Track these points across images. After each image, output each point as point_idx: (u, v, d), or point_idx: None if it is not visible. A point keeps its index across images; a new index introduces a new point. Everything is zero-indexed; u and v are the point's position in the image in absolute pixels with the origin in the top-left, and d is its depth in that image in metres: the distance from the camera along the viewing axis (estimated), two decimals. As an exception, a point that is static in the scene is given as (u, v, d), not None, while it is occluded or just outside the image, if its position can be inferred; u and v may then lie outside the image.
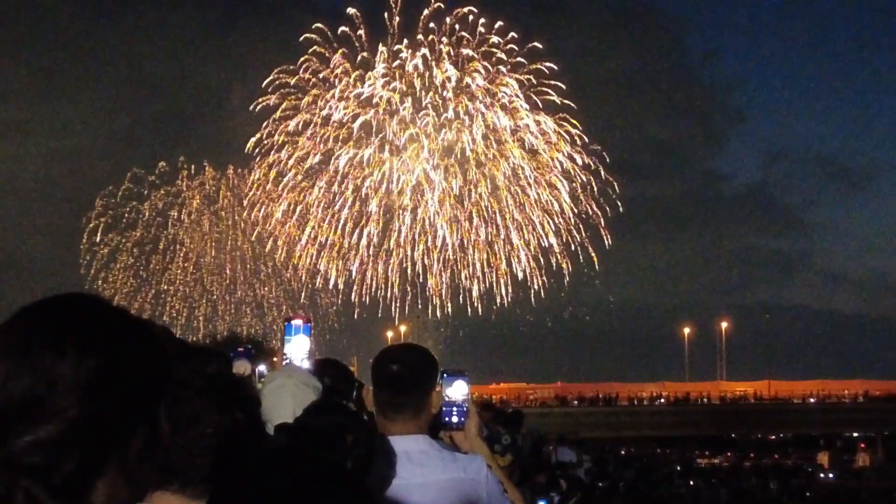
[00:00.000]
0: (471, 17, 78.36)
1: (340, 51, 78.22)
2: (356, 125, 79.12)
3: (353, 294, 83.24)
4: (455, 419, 4.24)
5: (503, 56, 78.51)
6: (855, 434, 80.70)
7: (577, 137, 79.28)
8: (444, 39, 77.80)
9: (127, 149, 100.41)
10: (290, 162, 79.98)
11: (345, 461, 3.39)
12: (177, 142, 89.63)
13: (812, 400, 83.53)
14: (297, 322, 5.23)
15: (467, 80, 78.14)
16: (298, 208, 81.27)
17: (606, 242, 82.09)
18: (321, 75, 78.76)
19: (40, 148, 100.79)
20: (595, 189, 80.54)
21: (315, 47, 78.40)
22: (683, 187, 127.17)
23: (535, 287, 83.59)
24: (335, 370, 4.97)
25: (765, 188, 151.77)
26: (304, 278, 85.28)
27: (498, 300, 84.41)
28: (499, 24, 78.22)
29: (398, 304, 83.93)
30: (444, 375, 4.21)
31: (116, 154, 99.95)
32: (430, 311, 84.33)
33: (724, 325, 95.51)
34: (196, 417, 2.62)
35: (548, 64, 78.69)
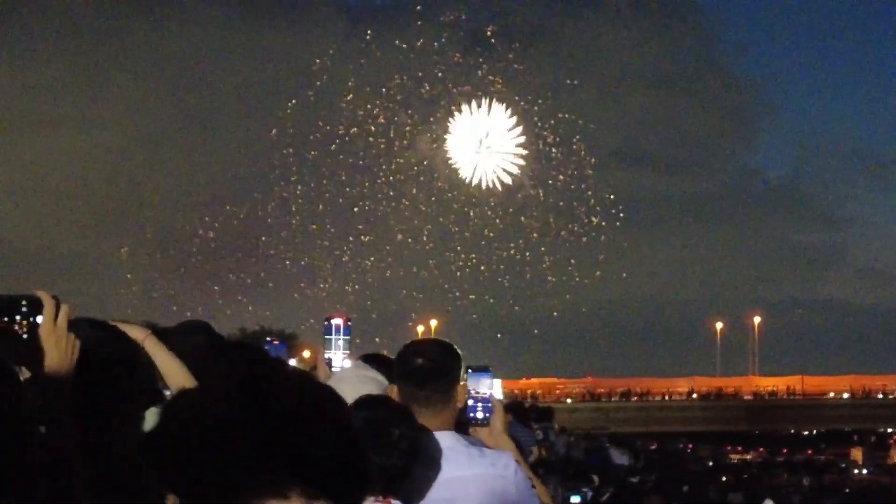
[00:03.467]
0: (489, 33, 77.95)
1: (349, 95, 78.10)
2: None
3: (374, 297, 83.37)
4: (480, 414, 4.22)
5: (522, 81, 77.98)
6: (889, 429, 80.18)
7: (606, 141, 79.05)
8: (458, 56, 77.50)
9: (160, 148, 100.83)
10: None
11: (388, 456, 3.39)
12: (204, 147, 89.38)
13: (845, 395, 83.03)
14: (337, 321, 5.28)
15: (483, 103, 77.55)
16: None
17: (636, 237, 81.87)
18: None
19: (74, 144, 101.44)
20: (621, 184, 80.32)
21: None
22: (716, 182, 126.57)
23: (565, 282, 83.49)
24: (383, 366, 4.93)
25: (798, 182, 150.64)
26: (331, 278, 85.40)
27: (526, 295, 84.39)
28: (515, 44, 77.82)
29: (426, 300, 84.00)
30: (469, 371, 4.18)
31: (150, 153, 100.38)
32: (458, 306, 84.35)
33: (756, 319, 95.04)
34: None
35: (571, 83, 78.35)
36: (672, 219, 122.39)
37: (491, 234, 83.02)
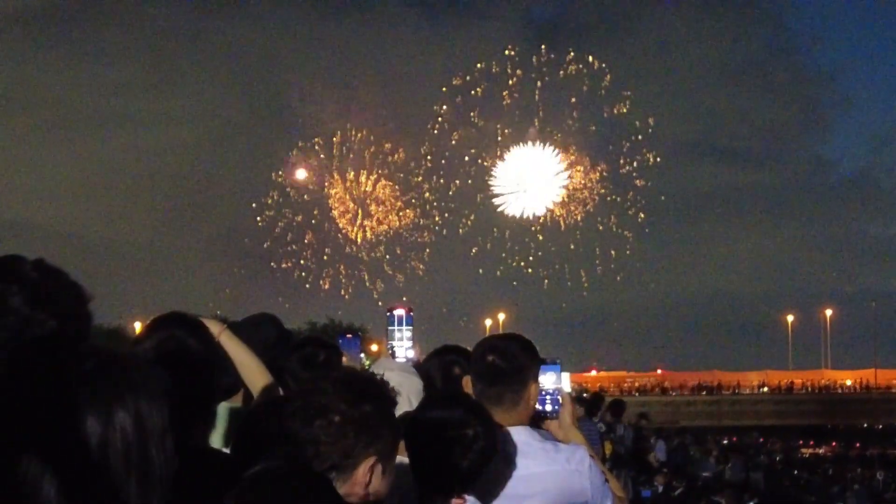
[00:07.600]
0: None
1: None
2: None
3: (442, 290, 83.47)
4: (549, 407, 4.18)
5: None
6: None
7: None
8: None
9: (235, 144, 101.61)
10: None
11: (464, 456, 3.39)
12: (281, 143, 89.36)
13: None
14: (399, 312, 5.30)
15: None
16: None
17: (707, 230, 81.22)
18: None
19: (147, 141, 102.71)
20: (693, 177, 79.74)
21: None
22: (789, 174, 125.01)
23: (635, 275, 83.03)
24: (461, 357, 4.89)
25: (872, 174, 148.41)
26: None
27: (597, 288, 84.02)
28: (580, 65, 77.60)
29: (494, 293, 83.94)
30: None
31: (225, 149, 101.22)
32: (526, 299, 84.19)
33: (828, 312, 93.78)
34: (325, 407, 2.73)
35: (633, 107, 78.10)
36: (744, 211, 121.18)
37: (562, 228, 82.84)
